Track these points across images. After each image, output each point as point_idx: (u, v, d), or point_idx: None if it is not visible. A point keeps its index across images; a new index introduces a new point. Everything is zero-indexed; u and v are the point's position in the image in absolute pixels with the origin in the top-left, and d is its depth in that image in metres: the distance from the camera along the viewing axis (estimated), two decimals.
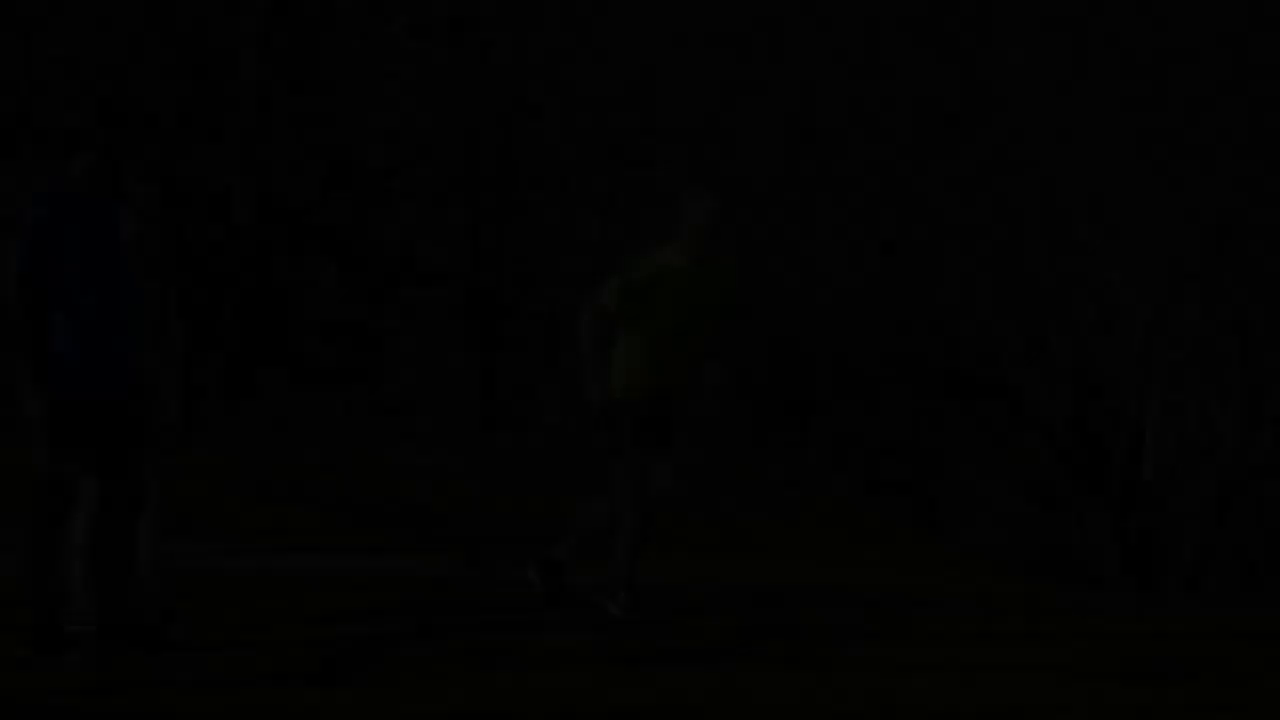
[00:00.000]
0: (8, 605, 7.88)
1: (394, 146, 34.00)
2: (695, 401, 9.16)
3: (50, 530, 7.17)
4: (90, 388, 7.14)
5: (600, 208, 40.70)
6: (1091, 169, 24.91)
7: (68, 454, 7.12)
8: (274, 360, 37.49)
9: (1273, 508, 36.44)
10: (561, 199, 39.46)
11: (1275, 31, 25.18)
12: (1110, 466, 24.45)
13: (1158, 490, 28.18)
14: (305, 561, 14.23)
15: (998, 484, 31.32)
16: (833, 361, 35.20)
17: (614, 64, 26.87)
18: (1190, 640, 8.22)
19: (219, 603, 8.91)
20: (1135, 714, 6.32)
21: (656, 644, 7.77)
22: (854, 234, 24.80)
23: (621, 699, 6.35)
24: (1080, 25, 24.89)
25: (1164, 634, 8.47)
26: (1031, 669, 7.17)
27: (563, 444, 30.62)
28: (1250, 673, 7.27)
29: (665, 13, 27.02)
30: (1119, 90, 23.95)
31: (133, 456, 7.23)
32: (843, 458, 36.87)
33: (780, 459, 36.23)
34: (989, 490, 30.98)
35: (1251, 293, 28.41)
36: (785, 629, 8.26)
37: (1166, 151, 23.72)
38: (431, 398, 41.04)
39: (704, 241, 8.83)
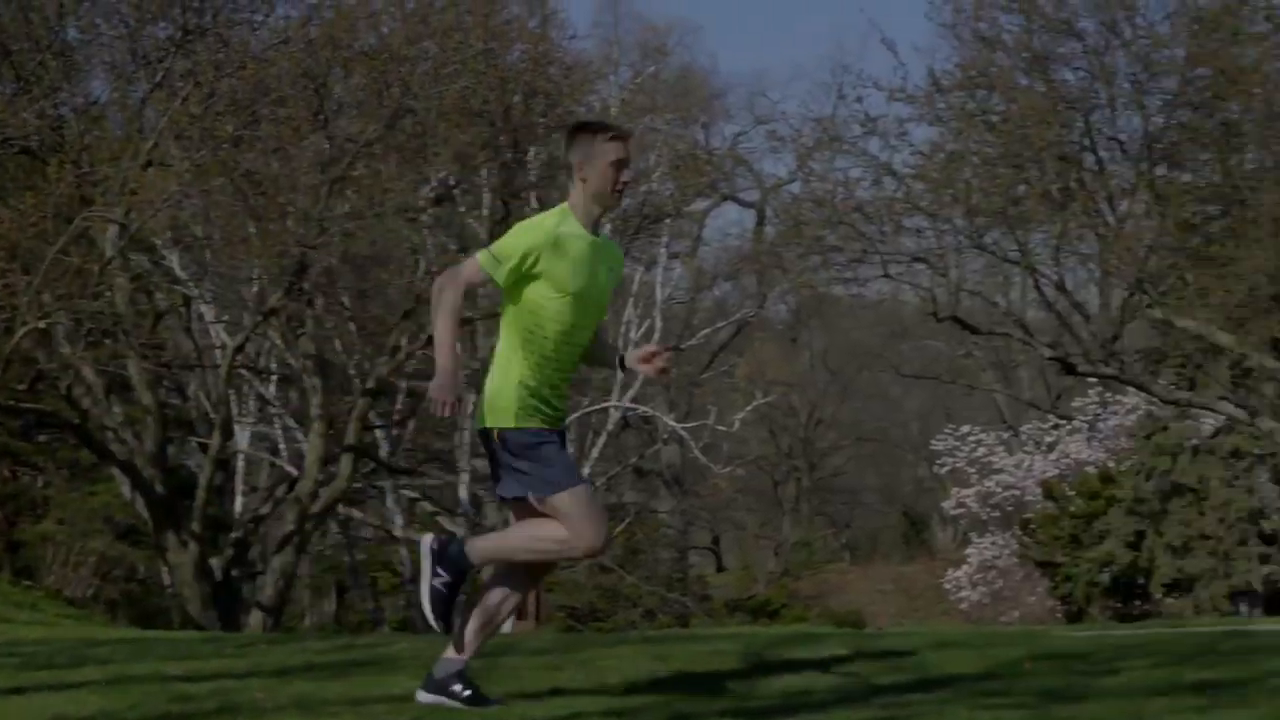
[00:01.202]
0: None
1: None
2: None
3: None
4: None
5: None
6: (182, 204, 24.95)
7: None
8: None
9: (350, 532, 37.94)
10: None
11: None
12: (194, 502, 24.67)
13: (244, 523, 28.73)
14: None
15: (83, 524, 30.86)
16: None
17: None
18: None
19: None
20: None
21: None
22: None
23: None
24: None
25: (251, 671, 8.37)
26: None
27: None
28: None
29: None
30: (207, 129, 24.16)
31: None
32: None
33: None
34: (74, 530, 30.47)
35: (330, 327, 29.55)
36: None
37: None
38: None
39: (613, 193, 6.79)
